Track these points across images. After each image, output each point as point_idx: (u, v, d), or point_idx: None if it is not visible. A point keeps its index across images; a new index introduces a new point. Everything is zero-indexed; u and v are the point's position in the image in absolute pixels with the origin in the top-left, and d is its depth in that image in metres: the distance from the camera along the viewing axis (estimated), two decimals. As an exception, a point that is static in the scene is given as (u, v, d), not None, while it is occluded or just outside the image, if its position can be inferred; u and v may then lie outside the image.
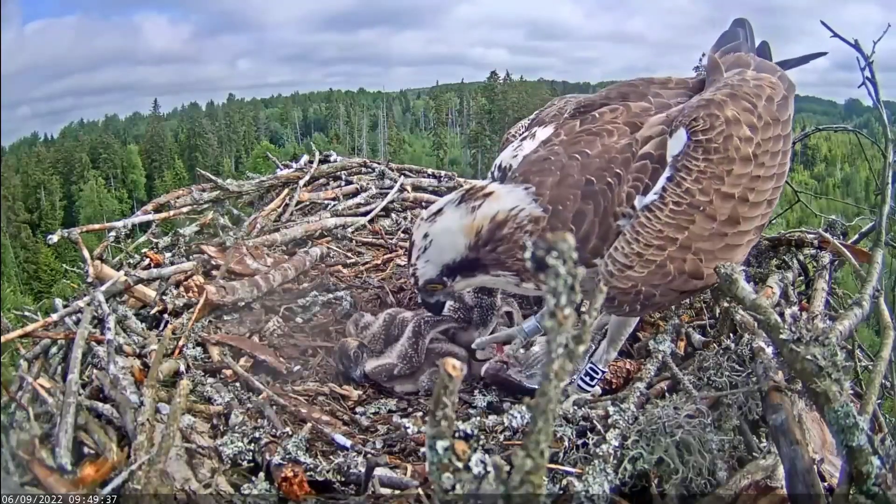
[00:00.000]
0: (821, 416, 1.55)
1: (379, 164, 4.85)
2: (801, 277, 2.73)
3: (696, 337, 2.45)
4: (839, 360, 1.56)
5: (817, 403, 1.55)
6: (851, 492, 1.41)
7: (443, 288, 2.28)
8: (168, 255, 3.39)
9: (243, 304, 2.85)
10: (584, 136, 2.24)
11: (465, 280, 2.26)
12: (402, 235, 3.91)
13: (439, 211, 2.22)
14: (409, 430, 2.15)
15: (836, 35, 2.63)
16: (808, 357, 1.55)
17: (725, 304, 2.46)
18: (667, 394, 2.05)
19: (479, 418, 2.09)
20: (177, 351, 2.44)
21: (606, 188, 2.10)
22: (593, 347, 2.48)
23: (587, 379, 2.31)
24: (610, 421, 1.88)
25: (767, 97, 2.22)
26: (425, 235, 2.22)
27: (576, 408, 2.03)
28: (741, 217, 2.08)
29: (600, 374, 2.32)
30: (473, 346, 2.66)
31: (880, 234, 2.53)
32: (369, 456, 1.92)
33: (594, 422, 1.91)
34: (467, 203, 2.17)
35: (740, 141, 2.09)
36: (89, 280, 2.83)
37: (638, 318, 2.39)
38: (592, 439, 1.83)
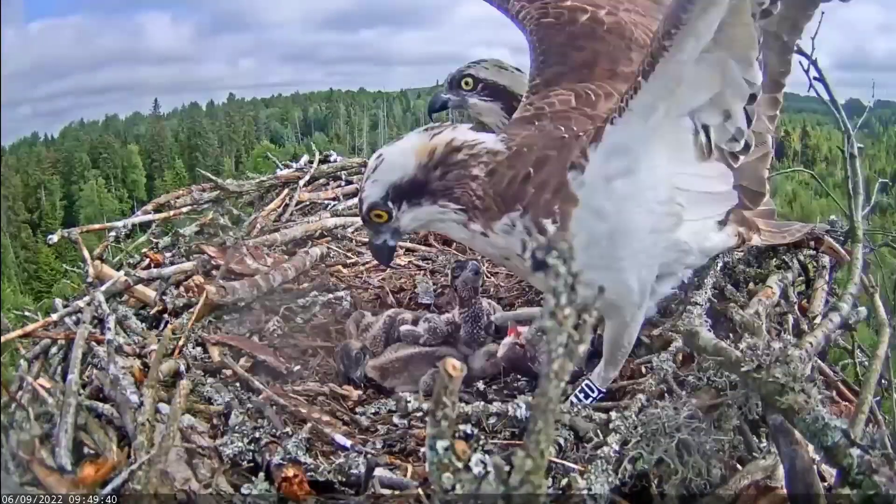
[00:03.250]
0: (794, 428, 1.59)
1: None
2: (801, 277, 2.73)
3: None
4: (801, 373, 1.61)
5: (788, 417, 1.59)
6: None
7: (388, 220, 2.14)
8: (168, 255, 3.39)
9: (243, 304, 2.85)
10: (574, 115, 2.23)
11: (412, 210, 2.12)
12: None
13: (401, 137, 2.20)
14: (411, 405, 2.09)
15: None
16: (770, 379, 1.60)
17: (725, 306, 2.46)
18: (666, 395, 2.05)
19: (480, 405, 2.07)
20: (177, 351, 2.44)
21: (574, 140, 2.05)
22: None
23: (581, 396, 2.25)
24: (611, 426, 1.87)
25: None
26: (379, 156, 2.14)
27: (574, 412, 2.01)
28: None
29: (596, 392, 2.26)
30: (493, 319, 2.63)
31: (856, 230, 2.52)
32: (369, 456, 1.92)
33: (595, 424, 1.91)
34: (430, 130, 2.13)
35: None
36: (89, 280, 2.83)
37: (636, 331, 2.25)
38: (593, 441, 1.83)
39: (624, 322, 2.16)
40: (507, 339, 2.56)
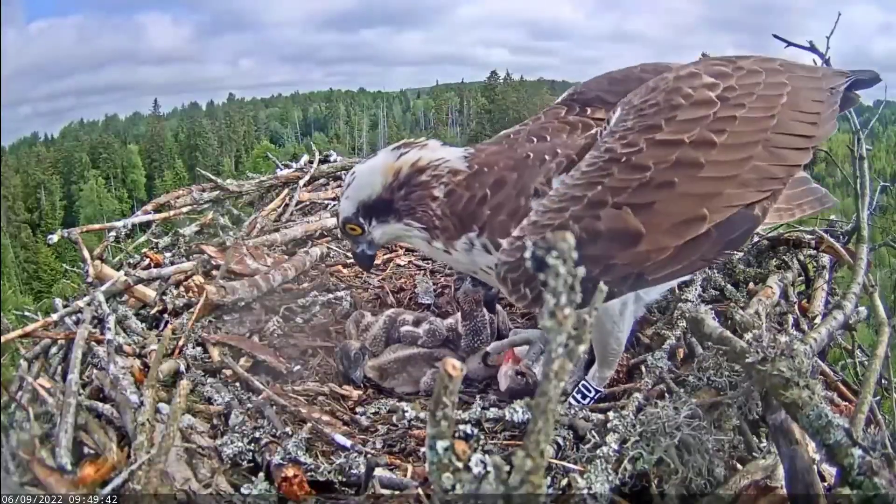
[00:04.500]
0: (797, 423, 1.58)
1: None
2: (801, 277, 2.73)
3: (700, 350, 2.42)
4: (806, 368, 1.60)
5: (791, 412, 1.58)
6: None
7: (362, 233, 2.25)
8: (168, 255, 3.39)
9: (243, 304, 2.85)
10: (554, 125, 2.21)
11: (381, 227, 2.22)
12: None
13: (374, 154, 2.24)
14: (408, 415, 2.13)
15: (791, 44, 2.67)
16: (775, 373, 1.59)
17: (725, 306, 2.46)
18: (666, 394, 2.05)
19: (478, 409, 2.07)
20: (177, 351, 2.44)
21: (538, 164, 2.03)
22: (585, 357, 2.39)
23: (578, 396, 2.25)
24: (609, 426, 1.87)
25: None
26: (352, 173, 2.23)
27: (572, 414, 2.01)
28: (702, 160, 1.81)
29: (593, 392, 2.26)
30: (489, 350, 2.61)
31: (861, 230, 2.52)
32: (369, 456, 1.92)
33: (593, 424, 1.91)
34: (399, 149, 2.17)
35: (693, 89, 1.89)
36: (89, 280, 2.83)
37: (625, 333, 2.21)
38: (591, 441, 1.83)
39: (606, 330, 2.16)
40: (505, 369, 2.45)
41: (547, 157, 2.04)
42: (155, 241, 3.57)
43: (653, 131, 1.83)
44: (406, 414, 2.13)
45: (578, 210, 1.80)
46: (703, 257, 1.90)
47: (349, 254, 3.67)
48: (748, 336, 1.77)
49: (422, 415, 2.12)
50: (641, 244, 1.80)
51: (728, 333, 1.83)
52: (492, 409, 2.06)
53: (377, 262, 3.60)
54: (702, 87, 1.90)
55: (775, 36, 2.71)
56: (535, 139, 2.16)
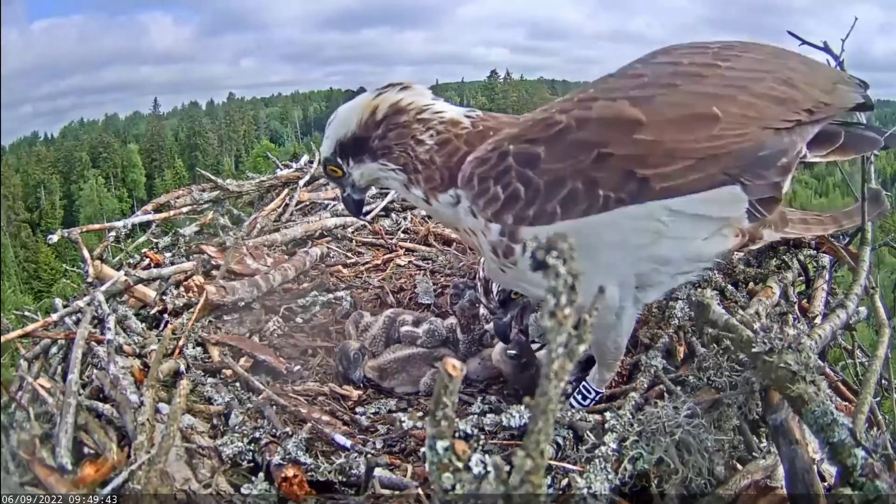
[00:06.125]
0: (800, 418, 1.57)
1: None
2: (801, 277, 2.73)
3: (700, 350, 2.41)
4: (812, 363, 1.58)
5: (795, 407, 1.57)
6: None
7: (342, 175, 2.19)
8: (168, 255, 3.39)
9: (243, 304, 2.85)
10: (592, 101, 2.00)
11: (359, 167, 2.14)
12: (402, 235, 3.91)
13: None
14: (405, 425, 2.13)
15: (805, 42, 2.64)
16: (782, 365, 1.57)
17: (725, 306, 2.45)
18: (666, 394, 2.05)
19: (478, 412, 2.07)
20: (177, 351, 2.44)
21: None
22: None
23: (579, 398, 2.23)
24: (607, 426, 1.87)
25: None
26: (335, 112, 2.18)
27: (571, 414, 2.00)
28: (705, 74, 1.71)
29: (594, 394, 2.24)
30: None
31: (865, 232, 2.52)
32: (369, 456, 1.92)
33: (591, 424, 1.91)
34: (380, 89, 2.10)
35: (686, 55, 1.82)
36: (89, 280, 2.84)
37: (623, 337, 2.09)
38: (590, 441, 1.83)
39: (604, 331, 2.10)
40: (499, 350, 2.51)
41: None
42: (155, 241, 3.57)
43: (646, 62, 1.77)
44: (404, 425, 2.13)
45: (566, 104, 1.70)
46: (726, 171, 1.68)
47: (349, 254, 3.68)
48: (757, 325, 1.73)
49: (419, 424, 2.12)
50: (641, 132, 1.61)
51: (735, 321, 1.79)
52: (489, 416, 2.05)
53: (377, 261, 3.61)
54: (698, 53, 1.81)
55: (790, 33, 2.63)
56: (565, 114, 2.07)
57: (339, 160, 2.16)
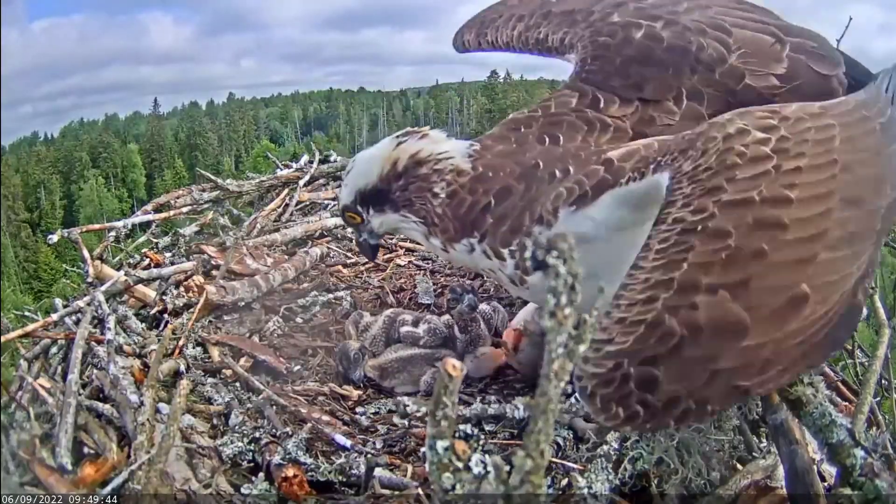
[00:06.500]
0: (799, 420, 1.58)
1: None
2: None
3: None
4: None
5: (794, 409, 1.58)
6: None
7: (361, 222, 2.24)
8: (168, 255, 3.39)
9: (243, 304, 2.85)
10: (569, 119, 2.07)
11: (379, 216, 2.19)
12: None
13: (378, 143, 2.21)
14: (410, 409, 2.13)
15: None
16: None
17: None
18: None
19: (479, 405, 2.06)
20: (177, 351, 2.44)
21: (547, 178, 1.93)
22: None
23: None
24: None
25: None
26: (353, 160, 2.23)
27: (573, 413, 2.00)
28: (784, 220, 1.52)
29: None
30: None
31: None
32: (369, 456, 1.92)
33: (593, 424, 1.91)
34: (399, 138, 2.14)
35: (745, 146, 1.65)
36: (89, 280, 2.84)
37: None
38: (591, 441, 1.83)
39: None
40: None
41: (558, 172, 1.92)
42: (155, 241, 3.57)
43: (717, 193, 1.56)
44: (408, 409, 2.14)
45: (670, 298, 1.45)
46: (808, 359, 1.52)
47: (349, 254, 3.68)
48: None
49: (423, 409, 2.12)
50: (746, 338, 1.44)
51: None
52: (493, 406, 2.07)
53: (377, 261, 3.61)
54: (754, 144, 1.65)
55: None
56: (546, 139, 2.04)
57: (358, 208, 2.20)
